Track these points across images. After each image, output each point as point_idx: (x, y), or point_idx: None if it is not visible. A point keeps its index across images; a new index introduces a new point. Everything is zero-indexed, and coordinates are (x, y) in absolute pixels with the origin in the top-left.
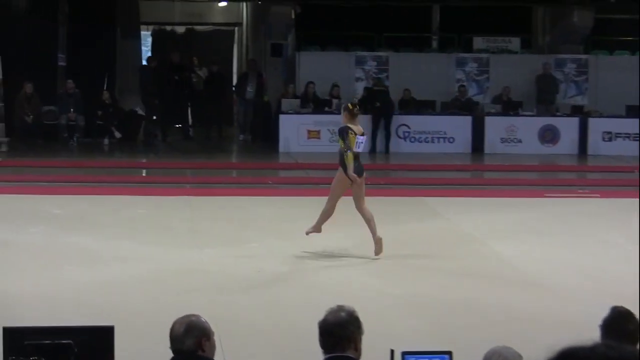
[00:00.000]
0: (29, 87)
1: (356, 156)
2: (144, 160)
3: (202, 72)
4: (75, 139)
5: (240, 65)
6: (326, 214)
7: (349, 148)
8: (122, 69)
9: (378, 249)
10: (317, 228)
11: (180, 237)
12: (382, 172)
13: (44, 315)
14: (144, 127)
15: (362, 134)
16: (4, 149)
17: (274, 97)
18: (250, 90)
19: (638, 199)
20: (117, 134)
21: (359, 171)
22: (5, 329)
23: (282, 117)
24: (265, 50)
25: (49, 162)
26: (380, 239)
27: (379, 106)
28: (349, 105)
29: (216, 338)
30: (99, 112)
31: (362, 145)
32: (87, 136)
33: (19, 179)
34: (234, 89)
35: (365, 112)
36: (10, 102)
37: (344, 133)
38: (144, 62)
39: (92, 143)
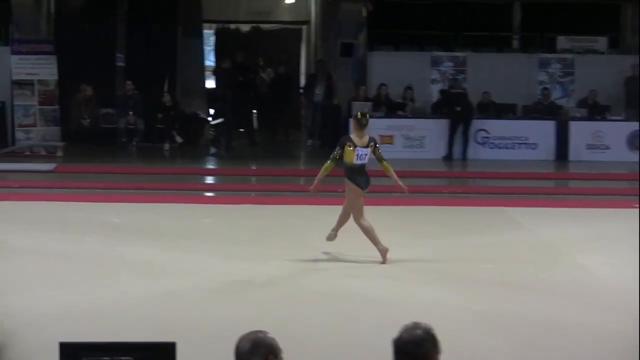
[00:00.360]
0: (88, 90)
1: (360, 168)
2: (208, 167)
3: (267, 74)
4: (134, 143)
5: (308, 66)
6: (369, 232)
7: (332, 158)
8: (184, 69)
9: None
10: (383, 254)
11: (245, 247)
12: (459, 180)
13: (101, 330)
14: (216, 132)
15: (366, 146)
16: (59, 153)
17: (344, 99)
18: (318, 92)
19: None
20: (179, 139)
21: (362, 183)
22: (62, 345)
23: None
24: (334, 50)
25: (107, 167)
26: (335, 235)
27: (459, 110)
28: (358, 113)
29: (284, 356)
30: (159, 115)
31: (365, 157)
32: (146, 141)
33: (74, 185)
34: (301, 91)
35: (441, 116)
36: (67, 105)
37: (339, 145)
38: (209, 63)
39: (152, 148)
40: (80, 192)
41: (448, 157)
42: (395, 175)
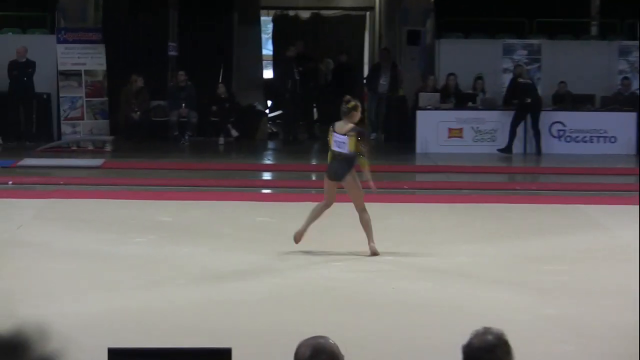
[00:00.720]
0: (138, 81)
1: (337, 156)
2: (265, 162)
3: (324, 65)
4: (187, 137)
5: (372, 55)
6: (314, 214)
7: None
8: (240, 59)
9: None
10: (299, 232)
11: (304, 248)
12: (531, 176)
13: (152, 335)
14: (275, 125)
15: (344, 134)
16: (108, 148)
17: (410, 90)
18: (383, 83)
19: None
20: (234, 132)
21: (331, 172)
22: (110, 351)
23: (419, 113)
24: (400, 38)
25: (158, 163)
26: (374, 251)
27: (529, 102)
28: (344, 99)
29: None
30: (214, 108)
31: (344, 146)
32: (200, 134)
33: (124, 182)
34: (364, 81)
35: (513, 108)
36: (116, 97)
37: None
38: (266, 52)
39: (206, 142)
40: (129, 190)
41: (506, 150)
42: (368, 173)
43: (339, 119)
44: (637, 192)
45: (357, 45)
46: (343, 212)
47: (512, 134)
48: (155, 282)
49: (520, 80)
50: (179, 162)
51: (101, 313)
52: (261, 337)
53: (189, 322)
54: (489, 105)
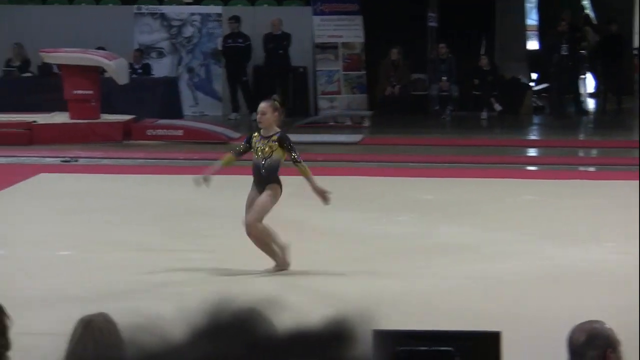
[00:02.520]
0: (394, 53)
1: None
2: (530, 138)
3: (589, 34)
4: (448, 112)
5: None
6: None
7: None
8: (503, 29)
9: None
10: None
11: (574, 228)
12: None
13: (416, 317)
14: (540, 98)
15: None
16: (366, 124)
17: None
18: None
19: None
20: (497, 107)
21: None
22: (375, 332)
23: None
24: None
25: (418, 139)
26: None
27: None
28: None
29: (623, 349)
30: (476, 81)
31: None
32: (462, 109)
33: (383, 159)
34: (635, 52)
35: None
36: (374, 70)
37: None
38: (531, 22)
39: (468, 117)
40: (389, 166)
41: None
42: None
43: (608, 91)
44: None
45: (626, 13)
46: (615, 193)
47: None
48: (418, 263)
49: None
50: (440, 137)
51: (363, 294)
52: (531, 321)
53: (454, 304)
54: None
